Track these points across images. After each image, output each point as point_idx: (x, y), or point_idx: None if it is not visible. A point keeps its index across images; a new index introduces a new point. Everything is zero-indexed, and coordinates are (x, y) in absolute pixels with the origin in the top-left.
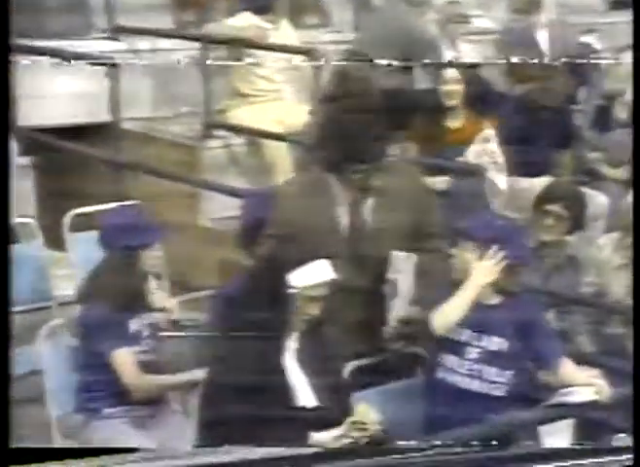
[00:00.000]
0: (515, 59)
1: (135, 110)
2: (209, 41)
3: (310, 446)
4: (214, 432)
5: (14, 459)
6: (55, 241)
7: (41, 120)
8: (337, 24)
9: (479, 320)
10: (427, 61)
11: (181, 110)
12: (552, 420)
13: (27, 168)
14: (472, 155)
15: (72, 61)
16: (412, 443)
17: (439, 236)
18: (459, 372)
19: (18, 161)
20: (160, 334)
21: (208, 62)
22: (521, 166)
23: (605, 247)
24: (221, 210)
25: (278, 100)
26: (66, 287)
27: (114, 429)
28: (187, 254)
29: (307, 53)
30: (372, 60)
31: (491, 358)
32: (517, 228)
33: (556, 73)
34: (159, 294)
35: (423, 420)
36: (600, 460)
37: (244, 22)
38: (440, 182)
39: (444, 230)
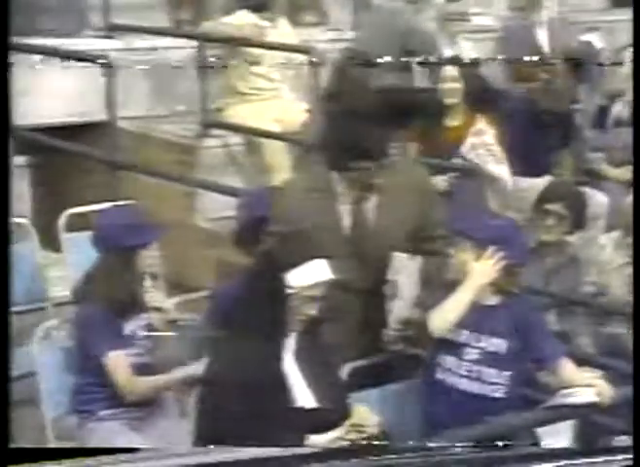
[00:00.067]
0: (515, 58)
1: (131, 109)
2: (206, 39)
3: (308, 446)
4: (211, 432)
5: (12, 459)
6: (51, 242)
7: (36, 118)
8: (336, 23)
9: (478, 321)
10: (426, 60)
11: (177, 109)
12: (552, 422)
13: (22, 168)
14: (466, 148)
15: (68, 60)
16: (411, 443)
17: (441, 237)
18: (458, 373)
19: (14, 160)
20: (157, 334)
21: (205, 61)
22: (521, 166)
23: (605, 247)
24: (218, 210)
25: (276, 99)
26: (61, 288)
27: (109, 431)
28: (183, 254)
29: (305, 51)
30: (370, 59)
31: (490, 359)
32: (516, 228)
33: (556, 72)
34: (155, 294)
35: (422, 421)
36: (600, 460)
37: (241, 20)
38: (440, 182)
39: (444, 230)
